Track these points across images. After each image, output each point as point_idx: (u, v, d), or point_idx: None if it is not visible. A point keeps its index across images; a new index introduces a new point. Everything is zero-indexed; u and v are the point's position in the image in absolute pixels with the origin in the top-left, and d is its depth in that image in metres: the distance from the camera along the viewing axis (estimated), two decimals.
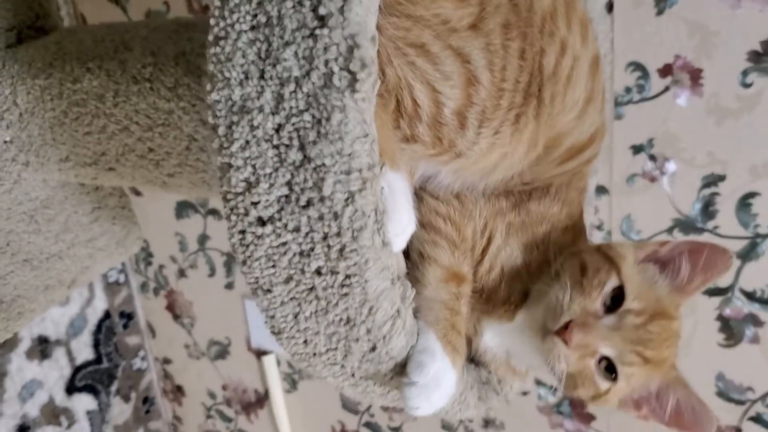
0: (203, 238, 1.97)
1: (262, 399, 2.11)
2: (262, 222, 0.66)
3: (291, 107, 0.61)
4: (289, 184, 0.63)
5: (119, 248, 1.41)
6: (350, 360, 0.73)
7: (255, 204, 0.65)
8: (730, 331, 1.38)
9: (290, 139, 0.62)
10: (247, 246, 0.68)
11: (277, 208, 0.65)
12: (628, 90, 1.31)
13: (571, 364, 0.78)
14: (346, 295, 0.67)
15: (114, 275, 2.05)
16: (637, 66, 1.30)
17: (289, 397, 2.06)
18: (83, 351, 2.00)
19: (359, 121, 0.60)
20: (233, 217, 0.67)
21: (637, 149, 1.34)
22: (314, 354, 0.74)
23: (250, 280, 0.70)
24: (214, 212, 1.91)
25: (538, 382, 1.62)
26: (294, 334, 0.73)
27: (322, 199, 0.62)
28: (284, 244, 0.66)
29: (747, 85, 1.22)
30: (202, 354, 2.17)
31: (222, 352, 2.13)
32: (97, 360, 2.05)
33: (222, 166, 0.66)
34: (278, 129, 0.62)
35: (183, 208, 1.94)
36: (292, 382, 2.03)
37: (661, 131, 1.31)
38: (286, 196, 0.64)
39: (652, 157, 1.33)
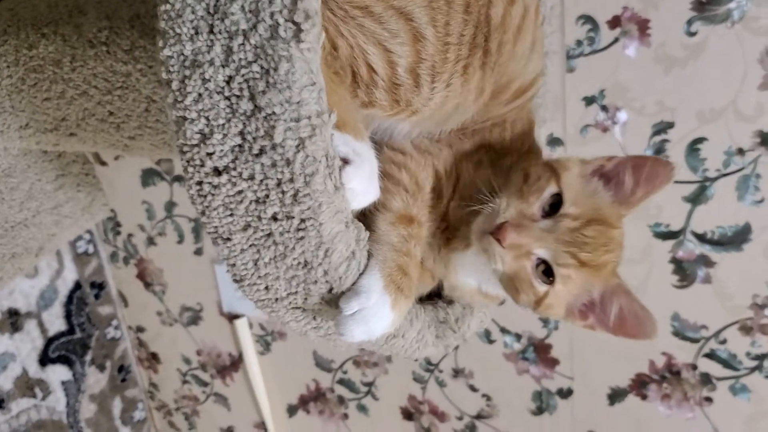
0: (170, 205, 1.98)
1: (237, 362, 2.14)
2: (217, 172, 0.68)
3: (240, 59, 0.64)
4: (241, 133, 0.66)
5: (85, 215, 1.43)
6: (310, 302, 0.76)
7: (210, 155, 0.68)
8: (684, 272, 1.43)
9: (241, 90, 0.64)
10: (205, 196, 0.70)
11: (232, 157, 0.67)
12: (579, 43, 1.34)
13: (507, 265, 0.80)
14: (302, 238, 0.70)
15: (83, 246, 2.05)
16: (587, 19, 1.33)
17: (263, 359, 2.09)
18: (55, 322, 2.01)
19: (306, 71, 0.63)
20: (190, 169, 0.69)
21: (589, 101, 1.38)
22: (276, 299, 0.77)
23: (210, 229, 0.73)
24: (180, 179, 1.91)
25: (503, 330, 1.67)
26: (255, 281, 0.76)
27: (274, 147, 0.65)
28: (240, 192, 0.69)
29: (692, 34, 1.25)
30: (174, 320, 2.20)
31: (194, 317, 2.15)
32: (70, 331, 2.06)
33: (177, 120, 0.68)
34: (229, 81, 0.65)
35: (149, 176, 1.95)
36: (265, 344, 2.06)
37: (611, 82, 1.35)
38: (240, 146, 0.66)
39: (604, 108, 1.37)
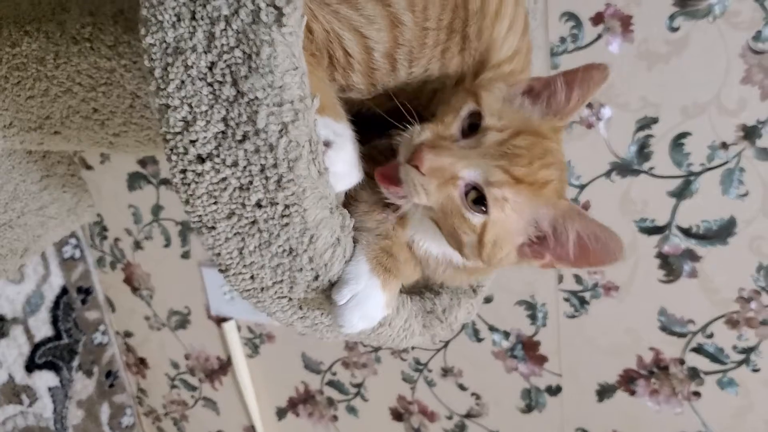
0: (157, 209, 1.97)
1: (225, 365, 2.13)
2: (201, 159, 0.68)
3: (222, 45, 0.64)
4: (224, 119, 0.66)
5: (71, 216, 1.42)
6: (296, 291, 0.76)
7: (193, 142, 0.68)
8: (670, 267, 1.44)
9: (223, 75, 0.64)
10: (189, 185, 0.70)
11: (215, 144, 0.67)
12: (563, 40, 1.35)
13: (431, 195, 0.72)
14: (286, 225, 0.70)
15: (69, 251, 2.04)
16: (571, 16, 1.34)
17: (252, 362, 2.09)
18: (42, 328, 2.00)
19: (288, 55, 0.63)
20: (173, 157, 0.69)
21: None
22: (262, 289, 0.77)
23: (194, 219, 0.73)
24: (166, 182, 1.91)
25: (492, 328, 1.68)
26: (241, 270, 0.75)
27: (257, 132, 0.65)
28: (224, 179, 0.69)
29: (674, 29, 1.27)
30: (162, 325, 2.19)
31: (182, 321, 2.14)
32: (57, 336, 2.05)
33: (160, 108, 0.68)
34: (211, 67, 0.65)
35: (135, 180, 1.95)
36: (253, 347, 2.06)
37: None
38: (223, 132, 0.66)
39: (588, 104, 1.38)
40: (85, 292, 2.14)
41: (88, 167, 1.95)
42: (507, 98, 0.76)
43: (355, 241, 0.77)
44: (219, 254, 0.75)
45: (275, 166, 0.66)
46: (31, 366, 1.98)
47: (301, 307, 0.79)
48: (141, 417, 2.41)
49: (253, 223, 0.71)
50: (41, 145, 1.17)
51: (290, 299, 0.78)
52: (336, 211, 0.73)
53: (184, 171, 0.70)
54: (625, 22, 1.30)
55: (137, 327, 2.24)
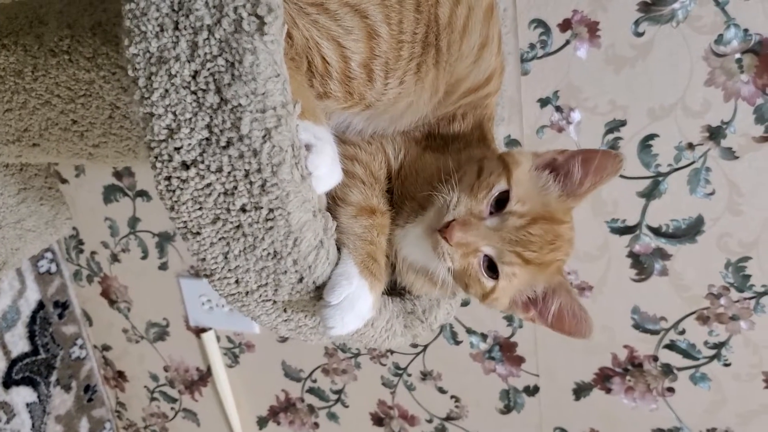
0: (134, 221, 1.97)
1: (205, 376, 2.13)
2: (185, 166, 0.70)
3: (205, 53, 0.65)
4: (208, 126, 0.67)
5: (49, 228, 1.42)
6: (281, 294, 0.78)
7: (178, 149, 0.69)
8: (641, 266, 1.48)
9: (207, 83, 0.66)
10: (174, 191, 0.72)
11: (199, 151, 0.69)
12: (532, 46, 1.39)
13: (455, 262, 0.83)
14: (271, 228, 0.71)
15: (45, 265, 2.03)
16: (539, 23, 1.37)
17: (232, 372, 2.09)
18: (18, 343, 1.98)
19: (270, 62, 0.65)
20: (158, 165, 0.71)
21: (544, 102, 1.42)
22: (247, 293, 0.78)
23: (179, 225, 0.74)
24: (142, 194, 1.91)
25: (470, 331, 1.70)
26: (226, 275, 0.77)
27: (240, 138, 0.67)
28: (209, 185, 0.70)
29: (639, 34, 1.30)
30: (141, 337, 2.18)
31: (161, 333, 2.14)
32: (34, 351, 2.03)
33: (144, 117, 0.69)
34: (195, 75, 0.66)
35: (111, 192, 1.94)
36: (233, 356, 2.06)
37: (564, 83, 1.39)
38: (207, 139, 0.68)
39: (558, 109, 1.41)
40: (62, 306, 2.13)
41: (64, 181, 1.94)
42: (533, 168, 0.87)
43: (339, 245, 0.79)
44: (204, 259, 0.76)
45: (259, 170, 0.68)
46: (8, 382, 1.96)
47: (285, 310, 0.81)
48: (120, 431, 2.40)
49: (238, 227, 0.72)
50: (19, 157, 1.17)
51: (275, 302, 0.79)
52: (319, 214, 0.75)
53: (168, 178, 0.71)
54: (592, 28, 1.33)
55: (115, 340, 2.23)
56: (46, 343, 2.07)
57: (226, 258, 0.75)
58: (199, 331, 2.05)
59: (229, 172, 0.69)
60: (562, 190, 0.87)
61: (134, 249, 2.02)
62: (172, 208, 0.73)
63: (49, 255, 2.03)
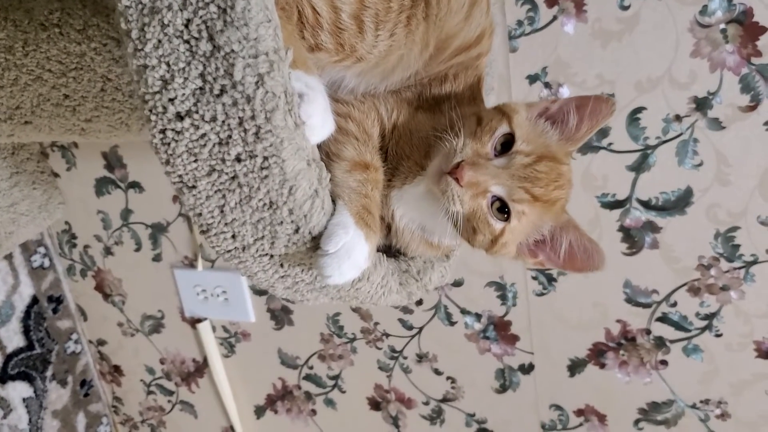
0: (126, 213, 1.97)
1: (201, 367, 2.13)
2: (180, 117, 0.71)
3: (197, 1, 0.66)
4: (202, 75, 0.68)
5: (42, 213, 1.43)
6: (277, 246, 0.78)
7: (172, 100, 0.70)
8: (632, 239, 1.49)
9: (199, 31, 0.67)
10: (169, 144, 0.72)
11: (193, 101, 0.70)
12: (519, 23, 1.40)
13: (465, 204, 0.84)
14: (266, 177, 0.72)
15: (38, 260, 2.03)
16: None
17: (228, 362, 2.09)
18: (14, 338, 1.98)
19: (262, 7, 0.66)
20: (153, 117, 0.72)
21: (532, 78, 1.43)
22: (243, 248, 0.79)
23: (174, 179, 0.75)
24: (134, 185, 1.91)
25: (464, 311, 1.71)
26: (222, 229, 0.78)
27: (234, 85, 0.68)
28: (203, 135, 0.71)
29: (625, 8, 1.32)
30: (136, 330, 2.18)
31: (156, 325, 2.14)
32: (29, 346, 2.03)
33: (138, 69, 0.70)
34: (187, 24, 0.67)
35: (103, 185, 1.95)
36: (229, 346, 2.06)
37: (552, 59, 1.40)
38: (201, 88, 0.69)
39: (547, 85, 1.43)
40: (56, 300, 2.12)
41: (55, 175, 1.95)
42: (528, 117, 0.89)
43: (334, 197, 0.80)
44: (200, 214, 0.77)
45: (253, 117, 0.69)
46: (4, 377, 1.95)
47: (282, 265, 0.81)
48: (117, 426, 2.39)
49: (233, 178, 0.73)
50: (11, 137, 1.17)
51: (271, 256, 0.80)
52: (313, 163, 0.76)
53: (163, 130, 0.72)
54: (579, 3, 1.35)
55: (110, 334, 2.23)
56: (41, 338, 2.06)
57: (222, 211, 0.76)
58: (194, 322, 2.05)
59: (223, 121, 0.70)
60: (560, 135, 0.89)
61: (127, 241, 2.03)
62: (167, 162, 0.74)
63: (42, 250, 2.03)
